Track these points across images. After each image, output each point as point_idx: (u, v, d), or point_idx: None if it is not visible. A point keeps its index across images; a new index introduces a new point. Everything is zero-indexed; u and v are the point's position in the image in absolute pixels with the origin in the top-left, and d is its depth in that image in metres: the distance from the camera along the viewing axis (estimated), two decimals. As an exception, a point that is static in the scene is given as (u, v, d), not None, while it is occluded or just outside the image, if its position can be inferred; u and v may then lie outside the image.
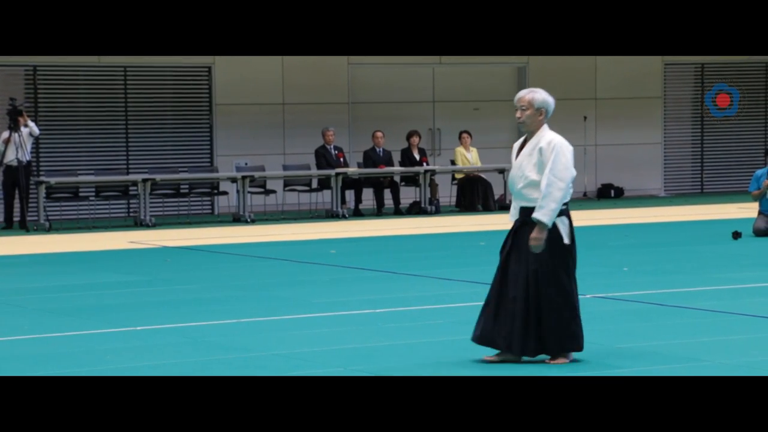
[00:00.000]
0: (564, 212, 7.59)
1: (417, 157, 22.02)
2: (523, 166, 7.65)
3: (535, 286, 7.54)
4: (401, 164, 21.92)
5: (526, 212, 7.63)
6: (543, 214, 7.47)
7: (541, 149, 7.61)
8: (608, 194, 24.49)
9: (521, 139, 7.86)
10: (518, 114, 7.70)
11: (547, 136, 7.68)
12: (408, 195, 22.09)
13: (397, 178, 21.84)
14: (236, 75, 22.06)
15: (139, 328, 9.41)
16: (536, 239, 7.51)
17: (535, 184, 7.60)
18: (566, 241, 7.61)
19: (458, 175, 22.32)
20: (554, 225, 7.54)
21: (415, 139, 22.11)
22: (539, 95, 7.71)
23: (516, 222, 7.74)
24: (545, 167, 7.54)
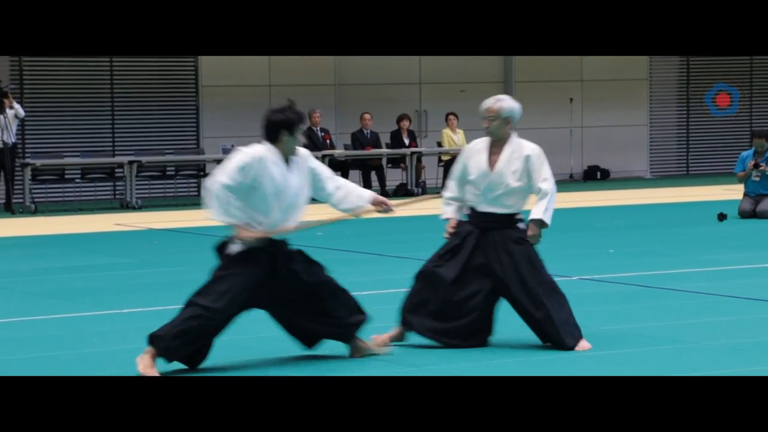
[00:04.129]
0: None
1: (406, 141, 22.02)
2: (503, 174, 7.67)
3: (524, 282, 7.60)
4: (390, 147, 21.91)
5: (496, 218, 7.69)
6: (548, 217, 7.67)
7: (528, 157, 7.69)
8: (594, 176, 24.53)
9: (483, 145, 7.80)
10: (486, 124, 7.73)
11: (525, 144, 7.78)
12: (395, 177, 22.09)
13: (384, 161, 21.85)
14: (222, 57, 22.00)
15: (125, 310, 9.40)
16: (537, 236, 7.71)
17: (515, 192, 7.68)
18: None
19: (445, 157, 22.32)
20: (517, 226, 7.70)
21: (405, 123, 22.11)
22: (506, 104, 7.75)
23: (471, 227, 7.73)
24: (534, 174, 7.66)
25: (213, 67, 22.13)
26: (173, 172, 20.85)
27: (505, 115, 7.72)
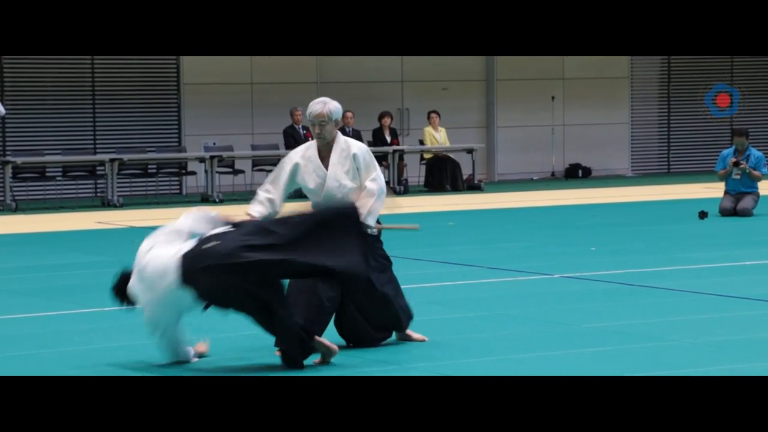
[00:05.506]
0: None
1: (388, 138, 22.03)
2: (338, 176, 7.61)
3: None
4: (372, 145, 21.92)
5: None
6: (372, 220, 7.51)
7: (355, 156, 7.62)
8: (576, 174, 24.58)
9: (309, 151, 7.70)
10: (317, 129, 7.64)
11: (351, 142, 7.72)
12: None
13: (365, 158, 21.84)
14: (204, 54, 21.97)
15: (107, 309, 9.38)
16: None
17: (352, 192, 7.59)
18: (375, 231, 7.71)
19: (427, 155, 22.34)
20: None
21: (386, 120, 22.11)
22: (333, 106, 7.70)
23: None
24: (363, 172, 7.58)
25: (194, 65, 22.09)
26: (155, 170, 20.80)
27: (335, 117, 7.67)
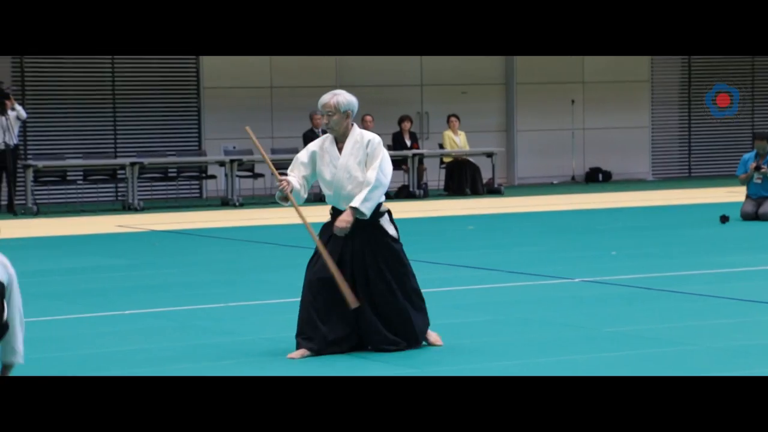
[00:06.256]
0: (386, 210, 7.68)
1: (408, 142, 22.03)
2: (349, 167, 7.59)
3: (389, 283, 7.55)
4: (391, 149, 21.92)
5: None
6: (367, 208, 7.49)
7: (369, 142, 7.60)
8: (596, 178, 24.52)
9: (326, 142, 7.69)
10: (325, 120, 7.64)
11: (365, 133, 7.70)
12: (396, 179, 22.08)
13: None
14: (224, 58, 22.02)
15: (127, 312, 9.41)
16: (347, 222, 7.50)
17: (362, 185, 7.56)
18: (395, 234, 7.68)
19: (446, 159, 22.33)
20: (381, 224, 7.58)
21: (406, 124, 22.12)
22: (342, 98, 7.67)
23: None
24: (371, 162, 7.56)
25: (214, 68, 22.14)
26: (175, 174, 20.86)
27: (344, 108, 7.62)
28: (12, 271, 6.41)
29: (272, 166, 7.80)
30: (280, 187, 7.59)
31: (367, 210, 7.50)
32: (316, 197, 20.64)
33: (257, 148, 7.89)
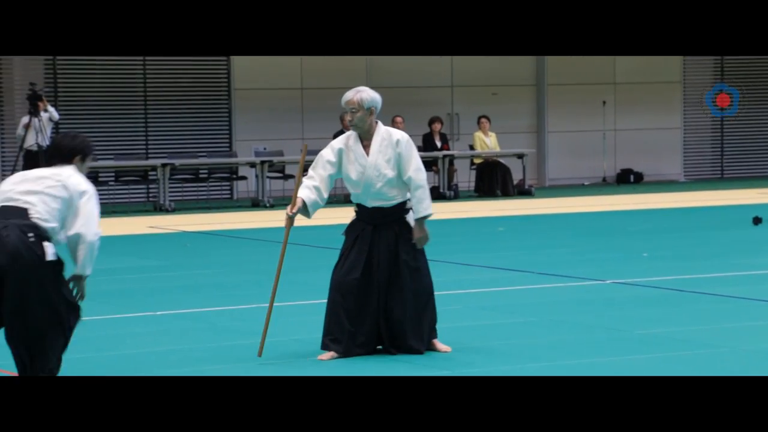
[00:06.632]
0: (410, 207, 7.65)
1: (438, 143, 22.02)
2: (378, 165, 7.55)
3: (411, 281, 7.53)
4: (422, 150, 21.91)
5: (382, 213, 7.57)
6: (428, 208, 7.58)
7: (398, 141, 7.56)
8: (628, 179, 24.42)
9: (350, 140, 7.65)
10: (349, 117, 7.61)
11: (392, 131, 7.66)
12: (427, 180, 22.05)
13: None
14: (255, 59, 22.07)
15: (158, 312, 9.44)
16: (424, 232, 7.57)
17: (392, 182, 7.56)
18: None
19: (477, 160, 22.30)
20: (407, 220, 7.59)
21: (437, 126, 22.11)
22: (366, 94, 7.62)
23: (363, 224, 7.60)
24: (404, 161, 7.53)
25: (245, 69, 22.20)
26: (206, 175, 20.92)
27: (368, 105, 7.58)
28: (75, 189, 6.76)
29: (296, 194, 7.74)
30: (290, 213, 7.61)
31: (430, 209, 7.59)
32: (346, 198, 20.68)
33: (300, 163, 7.91)
